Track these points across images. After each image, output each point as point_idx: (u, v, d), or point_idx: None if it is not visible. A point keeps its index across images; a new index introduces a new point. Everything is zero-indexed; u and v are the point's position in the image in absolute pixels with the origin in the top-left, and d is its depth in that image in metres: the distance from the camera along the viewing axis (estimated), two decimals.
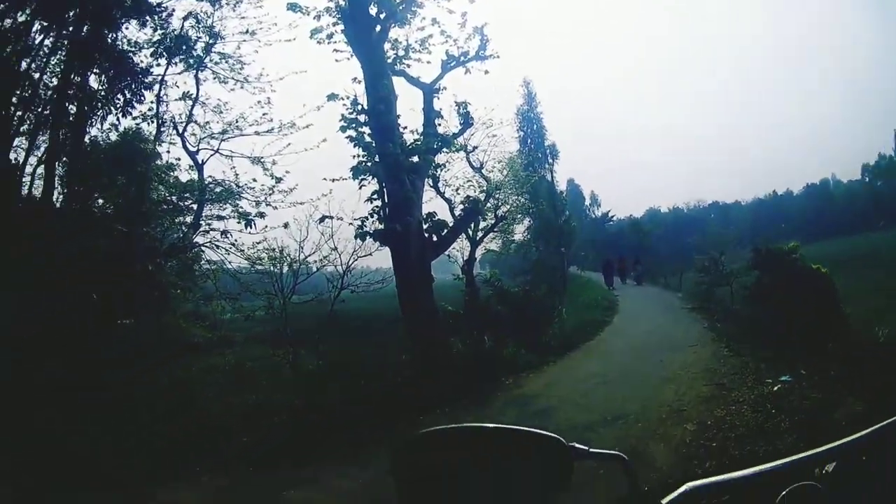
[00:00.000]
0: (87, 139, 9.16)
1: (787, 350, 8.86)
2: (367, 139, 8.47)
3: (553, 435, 0.79)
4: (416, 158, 8.81)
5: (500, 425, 0.78)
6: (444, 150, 9.91)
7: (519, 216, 15.76)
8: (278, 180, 9.51)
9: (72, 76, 8.51)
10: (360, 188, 8.62)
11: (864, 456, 1.02)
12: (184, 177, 9.97)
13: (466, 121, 10.16)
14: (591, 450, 0.80)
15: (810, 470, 0.92)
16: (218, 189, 9.51)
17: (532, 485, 0.78)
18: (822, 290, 11.08)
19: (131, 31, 9.59)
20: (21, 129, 8.64)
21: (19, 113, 8.55)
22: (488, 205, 11.77)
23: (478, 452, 0.77)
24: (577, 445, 0.79)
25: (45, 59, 8.54)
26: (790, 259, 12.00)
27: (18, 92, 8.52)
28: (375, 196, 8.58)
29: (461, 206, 10.61)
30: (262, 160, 9.49)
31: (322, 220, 8.25)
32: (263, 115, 9.75)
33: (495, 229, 12.58)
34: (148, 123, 9.54)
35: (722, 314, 14.27)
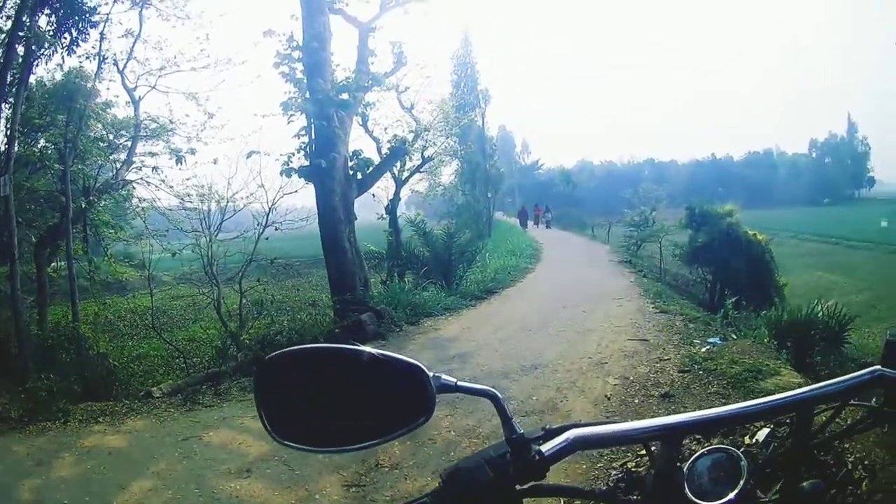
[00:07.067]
0: (31, 80, 8.84)
1: (718, 312, 8.96)
2: (300, 75, 8.41)
3: (415, 362, 0.75)
4: (345, 95, 8.75)
5: (360, 347, 0.76)
6: (375, 88, 9.84)
7: (447, 158, 16.52)
8: (211, 116, 9.60)
9: (23, 17, 8.05)
10: (289, 123, 8.52)
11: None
12: (121, 114, 10.04)
13: (400, 60, 10.05)
14: (459, 383, 0.77)
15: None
16: (153, 125, 9.65)
17: (389, 412, 0.75)
18: (757, 256, 11.40)
19: None
20: None
21: None
22: (416, 145, 11.78)
23: (337, 373, 0.76)
24: (443, 377, 0.76)
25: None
26: (726, 222, 12.28)
27: None
28: (303, 132, 8.53)
29: (388, 146, 10.55)
30: (196, 96, 9.64)
31: (250, 155, 8.07)
32: (201, 51, 9.75)
33: (421, 170, 12.68)
34: (90, 61, 9.19)
35: (649, 269, 14.18)
